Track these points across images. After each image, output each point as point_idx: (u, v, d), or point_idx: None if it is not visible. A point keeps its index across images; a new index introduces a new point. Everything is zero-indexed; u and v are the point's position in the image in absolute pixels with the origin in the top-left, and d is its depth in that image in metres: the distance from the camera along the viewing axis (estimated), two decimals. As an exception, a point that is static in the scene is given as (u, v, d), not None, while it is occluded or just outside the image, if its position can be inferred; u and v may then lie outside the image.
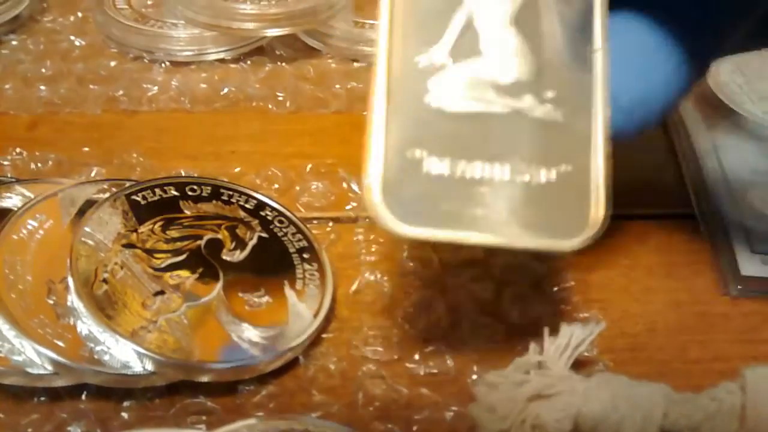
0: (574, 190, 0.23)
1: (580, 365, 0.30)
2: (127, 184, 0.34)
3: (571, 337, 0.30)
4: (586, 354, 0.30)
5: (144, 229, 0.32)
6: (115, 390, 0.29)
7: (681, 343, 0.33)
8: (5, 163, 0.39)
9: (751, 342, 0.33)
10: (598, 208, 0.23)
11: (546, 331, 0.29)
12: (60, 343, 0.28)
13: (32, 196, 0.34)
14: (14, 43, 0.48)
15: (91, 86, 0.44)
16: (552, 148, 0.23)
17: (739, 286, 0.35)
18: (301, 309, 0.31)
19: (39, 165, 0.38)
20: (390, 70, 0.23)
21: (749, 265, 0.35)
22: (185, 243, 0.32)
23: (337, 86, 0.46)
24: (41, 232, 0.32)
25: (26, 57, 0.47)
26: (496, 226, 0.22)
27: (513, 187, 0.23)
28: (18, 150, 0.39)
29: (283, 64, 0.47)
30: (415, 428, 0.28)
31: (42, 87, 0.44)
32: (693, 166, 0.41)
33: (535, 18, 0.24)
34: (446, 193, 0.22)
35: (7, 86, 0.44)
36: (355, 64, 0.48)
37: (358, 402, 0.29)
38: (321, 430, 0.26)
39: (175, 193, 0.34)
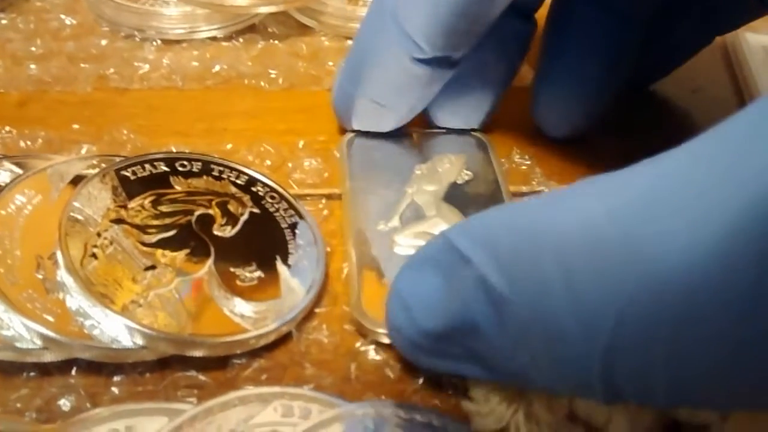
0: None
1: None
2: (117, 159, 0.34)
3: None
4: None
5: (134, 204, 0.32)
6: (105, 365, 0.28)
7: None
8: (-6, 140, 0.38)
9: None
10: None
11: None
12: (49, 318, 0.28)
13: (21, 172, 0.33)
14: (3, 21, 0.48)
15: (82, 65, 0.44)
16: None
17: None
18: (294, 284, 0.31)
19: (29, 143, 0.38)
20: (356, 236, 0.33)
21: None
22: (176, 218, 0.32)
23: (331, 63, 0.45)
24: (30, 207, 0.31)
25: (16, 35, 0.46)
26: None
27: None
28: (7, 128, 0.39)
29: (276, 41, 0.47)
30: (410, 400, 0.28)
31: (32, 65, 0.44)
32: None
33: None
34: None
35: (-3, 65, 0.44)
36: (348, 41, 0.47)
37: (351, 375, 0.29)
38: (314, 400, 0.26)
39: (166, 169, 0.34)
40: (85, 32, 0.47)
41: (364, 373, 0.29)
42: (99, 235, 0.30)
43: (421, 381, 0.29)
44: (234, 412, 0.25)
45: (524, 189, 0.38)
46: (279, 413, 0.26)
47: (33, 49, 0.45)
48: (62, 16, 0.48)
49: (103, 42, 0.46)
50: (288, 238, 0.33)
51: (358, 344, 0.30)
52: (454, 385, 0.29)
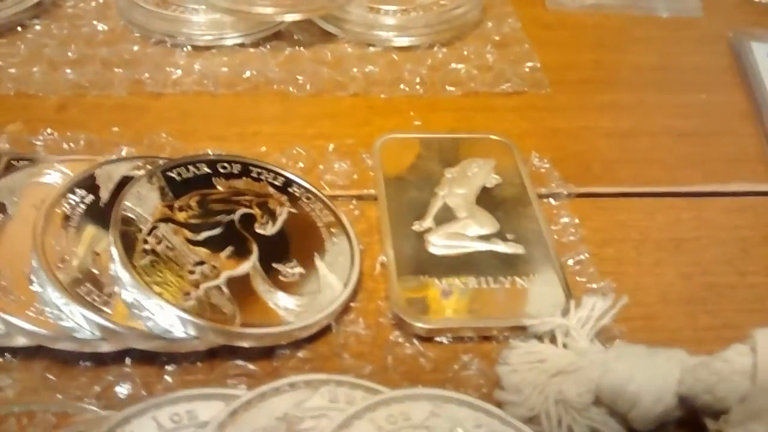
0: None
1: (597, 334, 0.31)
2: (161, 161, 0.36)
3: (593, 309, 0.31)
4: (602, 322, 0.32)
5: (180, 203, 0.34)
6: (158, 355, 0.30)
7: (692, 312, 0.35)
8: (38, 143, 0.40)
9: (758, 311, 0.35)
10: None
11: (572, 301, 0.31)
12: (106, 310, 0.30)
13: (70, 173, 0.35)
14: (38, 27, 0.49)
15: (116, 69, 0.46)
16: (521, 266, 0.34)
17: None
18: (332, 280, 0.33)
19: (71, 144, 0.40)
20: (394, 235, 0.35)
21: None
22: (220, 217, 0.34)
23: (354, 70, 0.47)
24: (83, 206, 0.33)
25: (51, 41, 0.48)
26: None
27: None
28: (49, 130, 0.41)
29: (301, 48, 0.49)
30: (444, 387, 0.30)
31: (68, 70, 0.45)
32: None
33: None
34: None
35: (34, 69, 0.45)
36: (371, 48, 0.49)
37: (388, 365, 0.31)
38: (358, 386, 0.28)
39: (208, 171, 0.36)
40: (117, 38, 0.49)
41: (401, 363, 0.31)
42: (150, 232, 0.32)
43: (454, 370, 0.31)
44: (285, 398, 0.27)
45: (543, 191, 0.40)
46: (326, 399, 0.27)
47: (69, 54, 0.47)
48: (94, 23, 0.50)
49: (135, 48, 0.48)
50: (324, 236, 0.35)
51: (393, 337, 0.32)
52: (486, 376, 0.31)
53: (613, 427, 0.28)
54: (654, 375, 0.28)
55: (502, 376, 0.30)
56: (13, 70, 0.45)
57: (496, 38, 0.52)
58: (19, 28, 0.49)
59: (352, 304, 0.33)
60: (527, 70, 0.49)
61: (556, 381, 0.29)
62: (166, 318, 0.30)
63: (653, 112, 0.47)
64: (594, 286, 0.35)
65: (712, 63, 0.52)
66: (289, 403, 0.27)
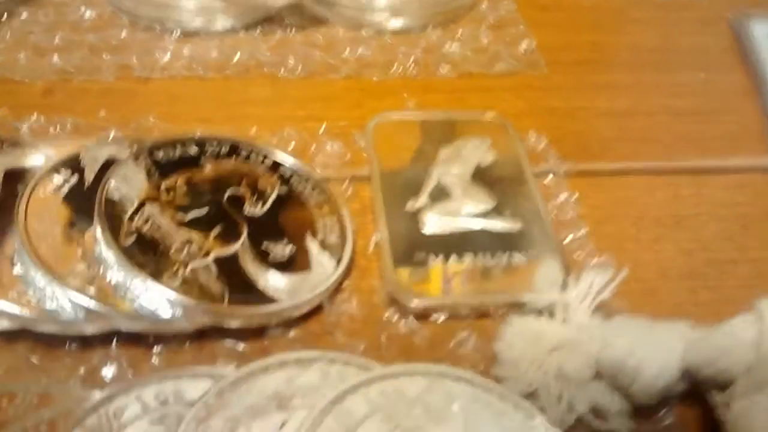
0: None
1: (596, 309, 0.31)
2: (148, 142, 0.35)
3: (592, 284, 0.30)
4: (602, 296, 0.31)
5: (167, 184, 0.33)
6: (145, 336, 0.29)
7: (692, 288, 0.34)
8: (23, 127, 0.39)
9: (760, 287, 0.34)
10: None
11: (571, 277, 0.30)
12: (91, 291, 0.29)
13: (54, 154, 0.34)
14: (24, 15, 0.48)
15: (104, 55, 0.45)
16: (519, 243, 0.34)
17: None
18: (324, 258, 0.32)
19: (58, 128, 0.39)
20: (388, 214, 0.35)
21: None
22: (208, 197, 0.33)
23: (347, 52, 0.46)
24: (67, 187, 0.32)
25: (37, 28, 0.47)
26: None
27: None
28: (35, 115, 0.40)
29: (293, 32, 0.48)
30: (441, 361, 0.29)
31: (55, 56, 0.45)
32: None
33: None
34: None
35: (20, 55, 0.44)
36: (363, 31, 0.48)
37: (381, 343, 0.30)
38: (350, 363, 0.27)
39: (196, 151, 0.35)
40: (104, 24, 0.48)
41: (395, 341, 0.30)
42: (136, 212, 0.31)
43: (450, 347, 0.30)
44: (275, 376, 0.26)
45: (541, 169, 0.39)
46: (318, 376, 0.26)
47: (56, 40, 0.46)
48: (81, 9, 0.49)
49: (123, 33, 0.47)
50: (315, 216, 0.34)
51: (387, 315, 0.31)
52: (483, 353, 0.30)
53: (615, 402, 0.28)
54: (655, 348, 0.27)
55: (500, 352, 0.29)
56: (-2, 57, 0.44)
57: (491, 20, 0.51)
58: (5, 16, 0.48)
59: (345, 283, 0.33)
60: (523, 51, 0.48)
61: (555, 356, 0.28)
62: (153, 298, 0.29)
63: (651, 91, 0.46)
64: (593, 262, 0.34)
65: (711, 43, 0.51)
66: (279, 381, 0.26)
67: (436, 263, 0.33)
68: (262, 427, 0.24)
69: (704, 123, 0.44)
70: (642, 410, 0.28)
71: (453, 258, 0.33)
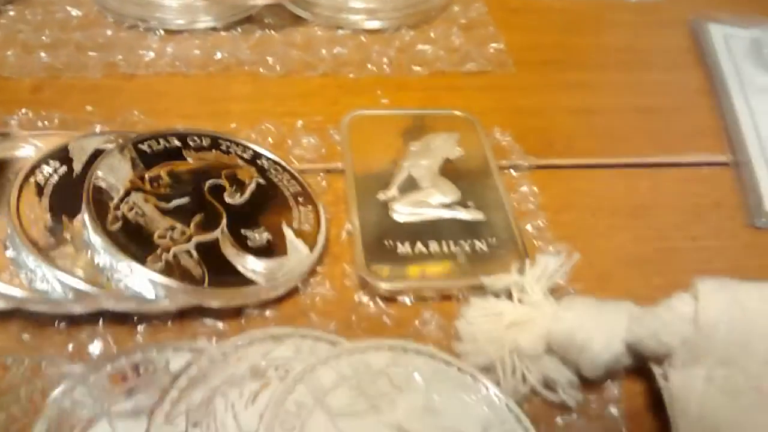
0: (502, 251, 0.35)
1: (552, 292, 0.33)
2: (133, 135, 0.37)
3: (546, 267, 0.33)
4: (559, 282, 0.33)
5: (151, 174, 0.35)
6: (130, 316, 0.31)
7: (645, 273, 0.36)
8: (13, 121, 0.41)
9: (708, 271, 0.36)
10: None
11: (527, 260, 0.33)
12: (79, 273, 0.31)
13: (44, 146, 0.36)
14: (12, 13, 0.50)
15: (90, 53, 0.47)
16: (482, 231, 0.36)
17: (763, 219, 0.39)
18: (299, 244, 0.34)
19: (46, 123, 0.41)
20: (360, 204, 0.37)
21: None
22: (190, 186, 0.35)
23: (324, 51, 0.49)
24: (56, 176, 0.34)
25: (25, 27, 0.49)
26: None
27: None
28: (24, 110, 0.42)
29: (272, 31, 0.50)
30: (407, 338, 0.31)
31: (43, 54, 0.46)
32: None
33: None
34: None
35: (9, 53, 0.46)
36: (339, 31, 0.51)
37: (352, 323, 0.32)
38: (321, 339, 0.29)
39: (178, 144, 0.37)
40: (90, 23, 0.50)
41: (364, 320, 0.33)
42: (122, 200, 0.33)
43: (415, 326, 0.32)
44: (252, 349, 0.28)
45: (505, 163, 0.41)
46: (291, 350, 0.29)
47: (43, 38, 0.48)
48: (68, 8, 0.51)
49: (109, 32, 0.49)
50: (292, 205, 0.36)
51: (357, 297, 0.34)
52: (445, 331, 0.32)
53: (565, 374, 0.30)
54: (602, 323, 0.30)
55: (460, 329, 0.31)
56: (-13, 55, 0.46)
57: (463, 21, 0.53)
58: (-6, 15, 0.50)
59: (318, 268, 0.35)
60: (492, 51, 0.50)
61: (511, 332, 0.30)
62: (137, 280, 0.31)
63: (615, 90, 0.49)
64: (551, 248, 0.36)
65: (672, 44, 0.54)
66: (255, 354, 0.28)
67: (405, 251, 0.35)
68: (240, 395, 0.26)
69: (663, 120, 0.46)
70: (591, 382, 0.31)
71: (420, 245, 0.35)
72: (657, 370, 0.29)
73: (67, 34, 0.48)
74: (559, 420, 0.30)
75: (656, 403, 0.30)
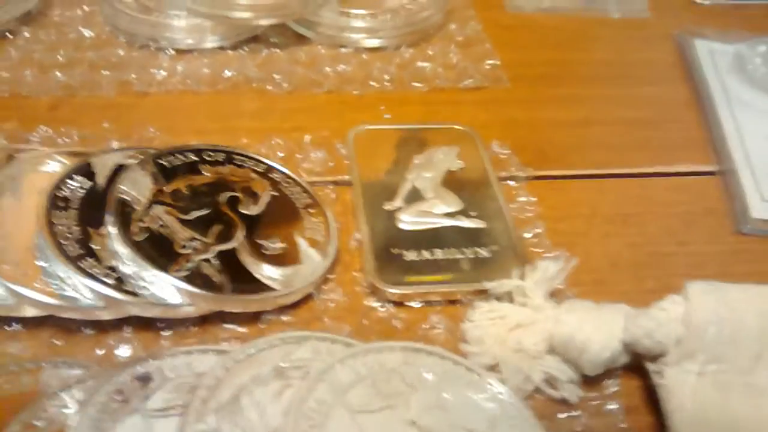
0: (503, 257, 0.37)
1: (552, 296, 0.35)
2: (151, 151, 0.39)
3: (546, 271, 0.35)
4: (559, 286, 0.35)
5: (171, 187, 0.37)
6: (155, 321, 0.33)
7: (638, 277, 0.38)
8: (34, 138, 0.43)
9: (697, 275, 0.38)
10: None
11: (527, 266, 0.35)
12: (107, 281, 0.32)
13: (67, 162, 0.38)
14: (26, 35, 0.52)
15: (104, 72, 0.49)
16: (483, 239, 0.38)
17: (749, 225, 0.42)
18: (312, 253, 0.36)
19: (65, 139, 0.43)
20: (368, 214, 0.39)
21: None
22: (208, 199, 0.37)
23: (328, 69, 0.51)
24: (81, 191, 0.36)
25: (39, 47, 0.51)
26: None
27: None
28: (44, 128, 0.43)
29: (277, 50, 0.52)
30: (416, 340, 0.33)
31: (58, 73, 0.48)
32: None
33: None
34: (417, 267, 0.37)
35: (26, 72, 0.48)
36: (342, 49, 0.53)
37: (364, 326, 0.34)
38: (337, 341, 0.31)
39: (195, 159, 0.39)
40: (103, 43, 0.52)
41: (376, 324, 0.34)
42: (144, 212, 0.35)
43: (424, 329, 0.34)
44: (274, 351, 0.30)
45: (504, 174, 0.43)
46: (310, 351, 0.31)
47: (58, 58, 0.50)
48: (81, 29, 0.53)
49: (121, 52, 0.51)
50: (303, 216, 0.38)
51: (368, 302, 0.36)
52: (452, 333, 0.34)
53: (566, 373, 0.32)
54: (600, 324, 0.32)
55: (467, 332, 0.33)
56: (5, 74, 0.48)
57: (459, 39, 0.55)
58: (9, 36, 0.51)
59: (330, 276, 0.37)
60: (488, 67, 0.53)
61: (515, 333, 0.32)
62: (162, 287, 0.33)
63: (605, 103, 0.51)
64: (549, 255, 0.38)
65: (659, 59, 0.56)
66: (277, 355, 0.30)
67: (411, 258, 0.37)
68: (264, 393, 0.28)
69: (652, 132, 0.49)
70: (590, 380, 0.33)
71: (425, 252, 0.37)
72: (652, 368, 0.32)
73: (81, 53, 0.50)
74: (561, 415, 0.32)
75: (653, 399, 0.32)
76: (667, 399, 0.31)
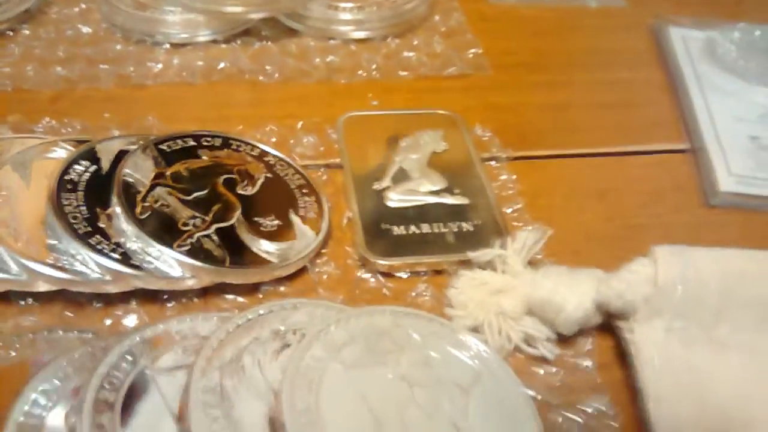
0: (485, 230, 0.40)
1: (531, 264, 0.37)
2: (152, 137, 0.41)
3: (525, 241, 0.37)
4: (537, 256, 0.38)
5: (172, 170, 0.39)
6: (160, 294, 0.35)
7: (612, 248, 0.41)
8: (39, 129, 0.45)
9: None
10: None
11: (508, 238, 0.37)
12: (114, 256, 0.35)
13: (73, 149, 0.40)
14: (26, 32, 0.54)
15: (102, 66, 0.51)
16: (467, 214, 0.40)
17: (717, 199, 0.44)
18: (305, 229, 0.39)
19: (69, 129, 0.45)
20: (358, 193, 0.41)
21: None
22: (207, 180, 0.39)
23: (317, 60, 0.53)
24: (87, 174, 0.38)
25: (39, 43, 0.53)
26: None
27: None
28: (47, 119, 0.46)
29: (269, 42, 0.54)
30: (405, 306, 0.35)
31: (58, 68, 0.50)
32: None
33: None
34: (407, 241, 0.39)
35: (28, 68, 0.50)
36: (331, 41, 0.55)
37: (356, 295, 0.37)
38: (330, 308, 0.33)
39: (193, 144, 0.41)
40: (100, 39, 0.54)
41: (367, 293, 0.37)
42: (148, 193, 0.37)
43: (412, 296, 0.37)
44: (272, 316, 0.33)
45: (486, 155, 0.46)
46: (306, 316, 0.33)
47: (58, 53, 0.52)
48: (78, 26, 0.55)
49: (118, 47, 0.53)
50: (297, 196, 0.40)
51: (359, 274, 0.38)
52: (438, 300, 0.36)
53: (544, 332, 0.34)
54: (574, 286, 0.34)
55: (452, 297, 0.36)
56: (7, 69, 0.50)
57: (443, 29, 0.58)
58: (9, 33, 0.54)
59: (323, 251, 0.39)
60: (471, 56, 0.55)
61: (496, 298, 0.35)
62: (166, 262, 0.35)
63: (583, 88, 0.54)
64: (528, 228, 0.41)
65: (635, 46, 0.59)
66: (275, 319, 0.32)
67: (399, 232, 0.39)
68: (264, 352, 0.31)
69: (627, 114, 0.51)
70: (566, 339, 0.35)
71: (413, 227, 0.39)
72: (623, 325, 0.34)
73: (80, 49, 0.53)
74: (539, 371, 0.34)
75: (623, 356, 0.35)
76: (636, 354, 0.33)
